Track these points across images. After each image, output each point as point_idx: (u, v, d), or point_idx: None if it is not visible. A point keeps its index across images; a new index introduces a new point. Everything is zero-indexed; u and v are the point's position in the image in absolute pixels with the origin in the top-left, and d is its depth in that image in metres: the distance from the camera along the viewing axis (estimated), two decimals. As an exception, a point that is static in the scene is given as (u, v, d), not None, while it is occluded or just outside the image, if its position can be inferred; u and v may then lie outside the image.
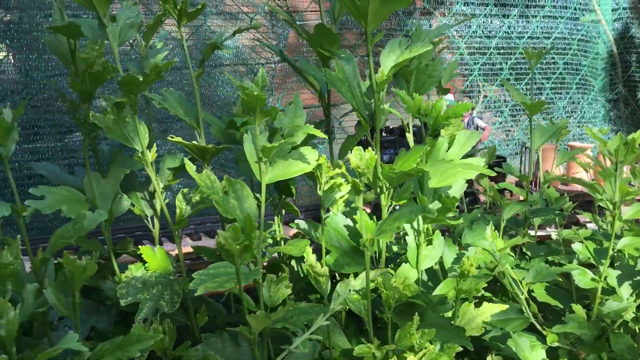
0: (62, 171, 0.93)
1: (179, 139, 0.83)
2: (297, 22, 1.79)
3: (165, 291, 0.80)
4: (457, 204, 0.77)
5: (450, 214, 0.77)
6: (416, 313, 0.74)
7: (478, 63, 2.12)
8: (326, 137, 0.79)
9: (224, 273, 0.71)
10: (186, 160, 0.75)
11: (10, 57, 1.55)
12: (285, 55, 0.91)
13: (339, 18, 0.88)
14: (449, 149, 0.85)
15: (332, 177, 0.75)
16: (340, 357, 0.80)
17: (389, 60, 0.80)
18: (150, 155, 0.82)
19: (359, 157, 0.64)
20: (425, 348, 0.71)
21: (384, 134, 1.35)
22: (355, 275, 0.81)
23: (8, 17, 1.48)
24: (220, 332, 0.77)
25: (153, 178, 0.93)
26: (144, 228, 1.29)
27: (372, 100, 0.82)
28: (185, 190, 0.86)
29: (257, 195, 0.76)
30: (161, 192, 0.95)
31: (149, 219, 0.95)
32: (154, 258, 0.82)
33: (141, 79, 0.72)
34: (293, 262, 0.95)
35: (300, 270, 0.93)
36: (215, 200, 0.72)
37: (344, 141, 0.91)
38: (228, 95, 1.68)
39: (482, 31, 2.11)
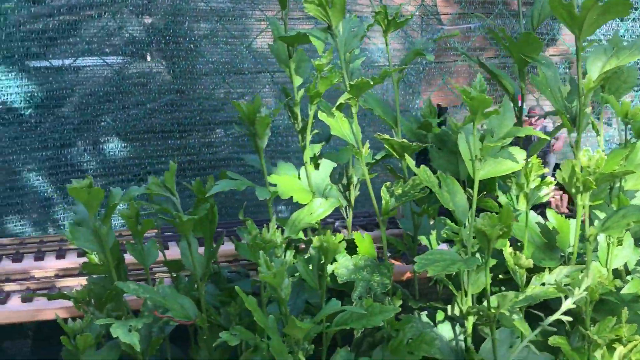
0: (267, 164, 1.05)
1: (386, 136, 0.92)
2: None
3: (375, 273, 0.89)
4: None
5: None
6: (621, 308, 0.78)
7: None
8: (547, 137, 0.84)
9: (441, 259, 0.78)
10: (407, 157, 0.84)
11: (160, 62, 1.68)
12: (482, 61, 0.98)
13: (538, 26, 0.93)
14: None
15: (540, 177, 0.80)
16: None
17: (595, 66, 0.84)
18: (364, 151, 0.91)
19: (588, 157, 0.69)
20: (635, 340, 0.75)
21: None
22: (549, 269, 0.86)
23: (151, 22, 1.61)
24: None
25: (351, 172, 1.02)
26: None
27: (574, 104, 0.87)
28: (388, 183, 0.95)
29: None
30: (354, 186, 1.05)
31: (344, 209, 1.05)
32: (363, 243, 0.91)
33: (372, 83, 0.81)
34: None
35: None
36: (436, 192, 0.80)
37: (536, 143, 0.96)
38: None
39: (630, 35, 2.06)
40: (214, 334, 0.91)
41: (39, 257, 1.26)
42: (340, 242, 0.71)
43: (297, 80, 0.98)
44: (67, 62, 1.50)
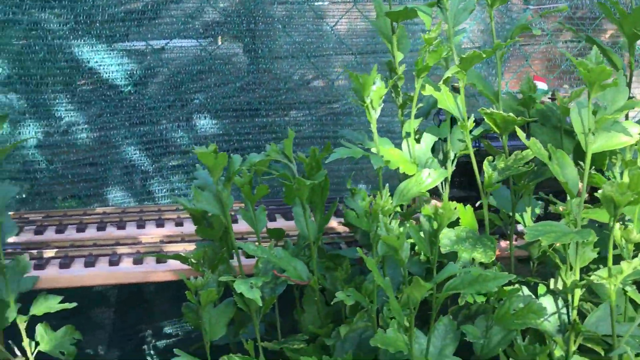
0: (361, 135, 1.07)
1: (489, 110, 0.93)
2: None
3: (477, 245, 0.90)
4: None
5: None
6: None
7: None
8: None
9: (552, 230, 0.79)
10: (518, 130, 0.84)
11: (249, 43, 1.72)
12: (591, 37, 0.97)
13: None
14: None
15: (655, 150, 0.79)
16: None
17: None
18: (469, 125, 0.92)
19: None
20: None
21: None
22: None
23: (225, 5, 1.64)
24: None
25: (448, 146, 1.04)
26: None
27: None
28: (490, 157, 0.96)
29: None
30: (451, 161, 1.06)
31: (441, 183, 1.07)
32: (465, 215, 0.93)
33: (484, 55, 0.82)
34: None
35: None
36: (548, 164, 0.80)
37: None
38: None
39: None
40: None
41: (141, 225, 1.34)
42: (455, 209, 0.73)
43: (399, 56, 1.00)
44: (162, 42, 1.57)
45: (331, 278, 0.91)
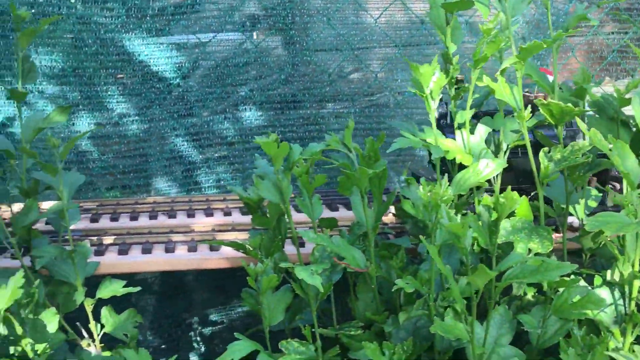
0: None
1: (545, 100, 0.93)
2: None
3: (533, 235, 0.91)
4: None
5: None
6: None
7: None
8: None
9: (613, 221, 0.79)
10: (578, 120, 0.84)
11: (295, 35, 1.74)
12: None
13: None
14: None
15: None
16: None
17: None
18: (526, 115, 0.92)
19: None
20: None
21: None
22: None
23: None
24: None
25: (501, 138, 1.04)
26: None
27: None
28: (545, 149, 0.96)
29: None
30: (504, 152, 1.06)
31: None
32: (521, 206, 0.93)
33: (545, 45, 0.82)
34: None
35: None
36: (608, 155, 0.80)
37: None
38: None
39: None
40: (370, 285, 0.97)
41: (191, 214, 1.37)
42: (516, 199, 0.73)
43: (452, 47, 1.01)
44: (209, 35, 1.60)
45: (386, 266, 0.92)
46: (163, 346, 1.62)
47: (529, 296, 0.98)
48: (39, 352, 0.77)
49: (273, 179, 0.86)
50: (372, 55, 1.75)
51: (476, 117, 1.24)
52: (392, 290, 0.80)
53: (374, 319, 0.87)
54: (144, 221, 1.31)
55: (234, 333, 0.87)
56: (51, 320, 0.79)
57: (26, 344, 0.76)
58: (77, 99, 1.52)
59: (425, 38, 1.73)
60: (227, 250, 1.16)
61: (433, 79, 0.81)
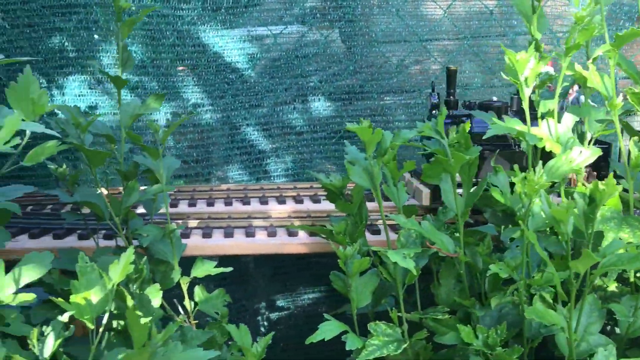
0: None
1: (637, 89, 0.92)
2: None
3: (623, 225, 0.90)
4: None
5: None
6: None
7: None
8: None
9: None
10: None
11: (364, 27, 1.74)
12: None
13: None
14: None
15: None
16: None
17: None
18: (617, 104, 0.91)
19: None
20: None
21: (462, 108, 1.30)
22: None
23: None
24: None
25: (586, 127, 1.03)
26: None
27: None
28: (636, 138, 0.95)
29: None
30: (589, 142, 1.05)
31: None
32: (610, 196, 0.92)
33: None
34: None
35: None
36: None
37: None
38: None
39: None
40: (453, 271, 0.98)
41: (264, 201, 1.41)
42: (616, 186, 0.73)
43: (538, 35, 1.00)
44: (279, 27, 1.63)
45: (470, 252, 0.93)
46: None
47: (613, 287, 0.97)
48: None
49: (364, 165, 0.89)
50: (436, 47, 1.75)
51: (469, 107, 1.25)
52: (479, 275, 0.81)
53: (463, 303, 0.88)
54: (219, 207, 1.35)
55: (323, 314, 0.89)
56: (155, 295, 0.83)
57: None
58: (154, 89, 1.58)
59: (494, 29, 1.72)
60: (304, 236, 1.19)
61: (529, 66, 0.81)
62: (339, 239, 0.95)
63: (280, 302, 1.78)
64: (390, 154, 0.90)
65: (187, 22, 1.55)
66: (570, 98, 1.28)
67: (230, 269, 0.96)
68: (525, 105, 0.84)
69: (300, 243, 1.17)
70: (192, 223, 1.22)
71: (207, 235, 1.17)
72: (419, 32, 1.67)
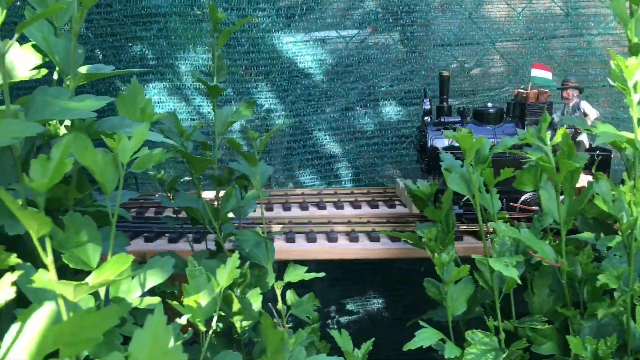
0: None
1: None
2: None
3: None
4: None
5: None
6: None
7: None
8: None
9: None
10: None
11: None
12: None
13: None
14: None
15: None
16: None
17: None
18: None
19: None
20: None
21: (456, 114, 1.27)
22: None
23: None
24: None
25: None
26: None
27: None
28: None
29: None
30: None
31: None
32: None
33: None
34: None
35: None
36: None
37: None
38: None
39: None
40: (547, 280, 0.96)
41: (339, 206, 1.42)
42: None
43: (634, 39, 0.98)
44: (352, 32, 1.64)
45: (570, 261, 0.91)
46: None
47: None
48: (245, 328, 0.83)
49: (461, 172, 0.88)
50: (508, 48, 1.72)
51: (462, 114, 1.23)
52: (577, 285, 0.79)
53: (565, 313, 0.86)
54: (297, 212, 1.37)
55: (419, 321, 0.89)
56: (256, 299, 0.85)
57: (237, 320, 0.82)
58: (230, 95, 1.61)
59: (569, 31, 1.68)
60: (386, 242, 1.19)
61: (639, 72, 0.79)
62: (431, 245, 0.95)
63: (349, 307, 1.79)
64: (487, 160, 0.90)
65: (261, 30, 1.58)
66: (571, 104, 1.26)
67: (322, 274, 0.96)
68: (634, 112, 0.82)
69: (382, 248, 1.18)
70: (276, 227, 1.24)
71: (290, 240, 1.19)
72: (491, 35, 1.65)
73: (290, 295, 0.99)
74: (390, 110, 1.67)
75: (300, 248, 1.17)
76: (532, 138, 0.82)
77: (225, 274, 0.78)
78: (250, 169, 0.93)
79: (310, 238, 1.20)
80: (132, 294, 0.63)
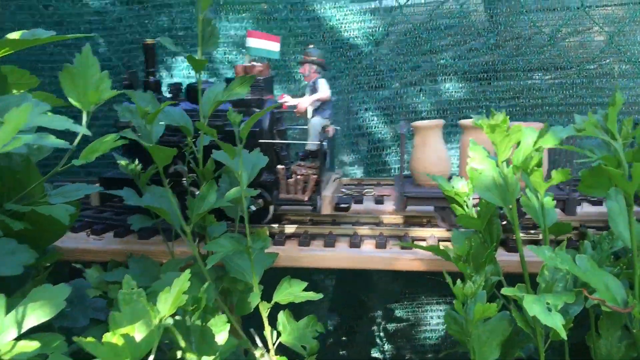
0: None
1: None
2: None
3: None
4: None
5: None
6: None
7: None
8: None
9: None
10: None
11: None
12: None
13: None
14: None
15: None
16: None
17: None
18: None
19: None
20: None
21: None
22: None
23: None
24: None
25: None
26: None
27: None
28: None
29: None
30: None
31: None
32: None
33: None
34: None
35: None
36: None
37: None
38: None
39: None
40: (618, 321, 0.71)
41: (379, 201, 1.21)
42: None
43: None
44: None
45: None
46: (343, 338, 1.50)
47: None
48: (206, 365, 0.66)
49: (493, 174, 0.65)
50: (601, 13, 1.40)
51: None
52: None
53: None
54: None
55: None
56: (221, 328, 0.67)
57: (191, 357, 0.65)
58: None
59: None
60: (421, 250, 0.97)
61: None
62: (459, 266, 0.72)
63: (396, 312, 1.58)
64: (535, 157, 0.65)
65: (299, -7, 1.38)
66: (310, 81, 1.06)
67: (320, 295, 0.77)
68: None
69: (415, 259, 0.96)
70: (291, 228, 1.05)
71: (304, 243, 1.00)
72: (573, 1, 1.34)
73: (283, 317, 0.81)
74: (451, 87, 1.42)
75: (315, 254, 0.98)
76: (593, 128, 0.57)
77: (169, 299, 0.61)
78: (231, 162, 0.75)
79: (329, 243, 1.00)
80: (3, 335, 0.48)
